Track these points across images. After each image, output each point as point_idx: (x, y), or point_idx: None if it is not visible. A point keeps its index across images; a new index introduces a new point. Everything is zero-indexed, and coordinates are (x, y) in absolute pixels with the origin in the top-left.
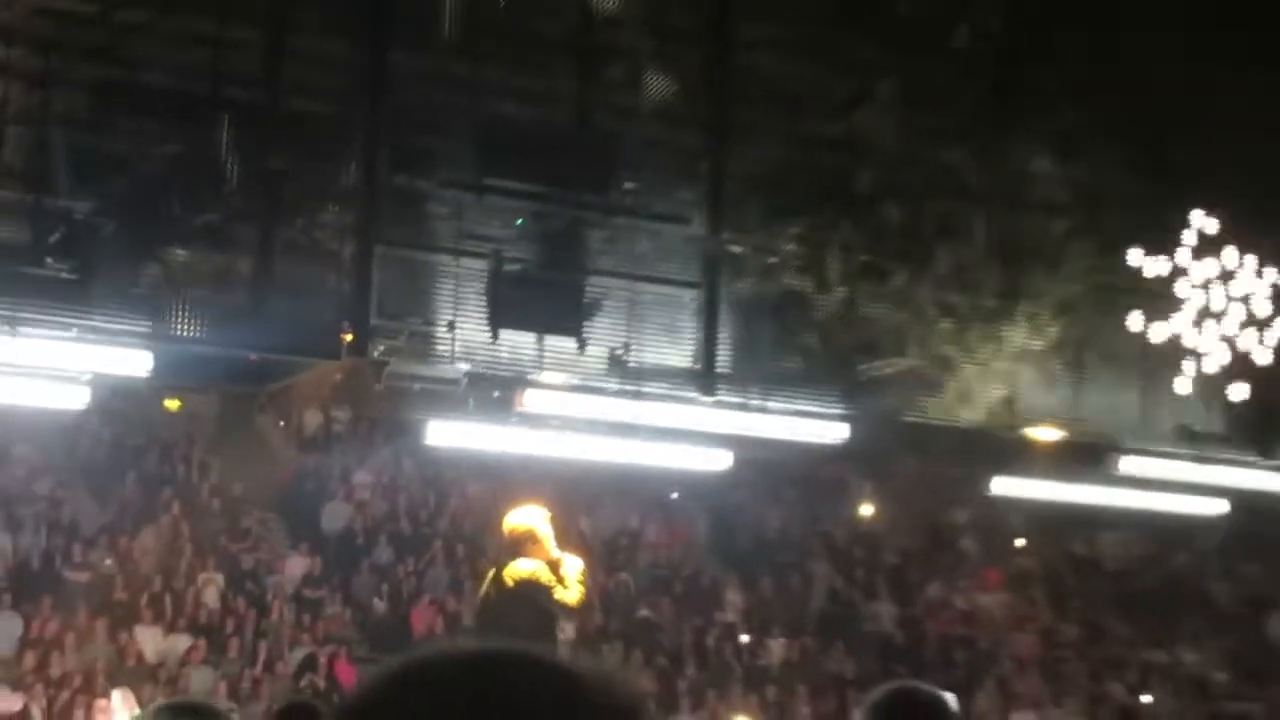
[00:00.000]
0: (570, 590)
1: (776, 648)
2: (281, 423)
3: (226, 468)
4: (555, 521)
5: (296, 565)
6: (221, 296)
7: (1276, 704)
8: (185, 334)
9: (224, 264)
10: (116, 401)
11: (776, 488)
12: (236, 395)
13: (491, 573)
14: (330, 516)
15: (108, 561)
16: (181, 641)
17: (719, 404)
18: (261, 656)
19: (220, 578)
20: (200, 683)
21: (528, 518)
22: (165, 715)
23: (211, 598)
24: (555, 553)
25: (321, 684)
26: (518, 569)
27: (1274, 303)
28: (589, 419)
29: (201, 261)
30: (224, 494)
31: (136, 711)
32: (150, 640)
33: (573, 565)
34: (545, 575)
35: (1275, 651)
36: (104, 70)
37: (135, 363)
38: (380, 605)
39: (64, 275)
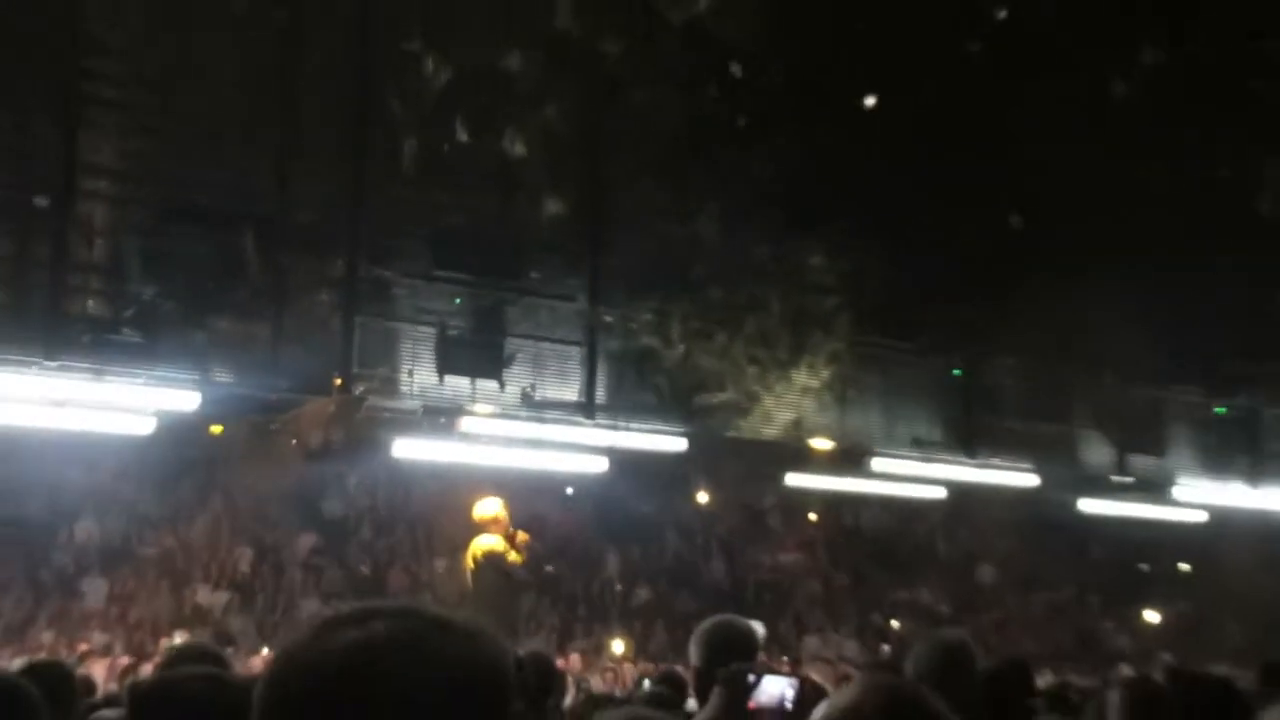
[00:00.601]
0: (519, 554)
1: (642, 594)
2: (293, 441)
3: (253, 474)
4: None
5: (305, 541)
6: (248, 353)
7: (982, 626)
8: (222, 380)
9: (249, 330)
10: (175, 428)
11: (639, 483)
12: (260, 422)
13: (470, 549)
14: (329, 506)
15: (169, 541)
16: (223, 596)
17: (598, 425)
18: (280, 607)
19: (250, 551)
20: (237, 626)
21: (491, 507)
22: (177, 651)
23: (244, 565)
24: (511, 529)
25: None
26: (481, 544)
27: None
28: (508, 436)
29: (233, 329)
30: (252, 492)
31: None
32: (201, 595)
33: (520, 538)
34: (500, 546)
35: (982, 591)
36: (163, 192)
37: (187, 401)
38: (365, 570)
39: (135, 340)
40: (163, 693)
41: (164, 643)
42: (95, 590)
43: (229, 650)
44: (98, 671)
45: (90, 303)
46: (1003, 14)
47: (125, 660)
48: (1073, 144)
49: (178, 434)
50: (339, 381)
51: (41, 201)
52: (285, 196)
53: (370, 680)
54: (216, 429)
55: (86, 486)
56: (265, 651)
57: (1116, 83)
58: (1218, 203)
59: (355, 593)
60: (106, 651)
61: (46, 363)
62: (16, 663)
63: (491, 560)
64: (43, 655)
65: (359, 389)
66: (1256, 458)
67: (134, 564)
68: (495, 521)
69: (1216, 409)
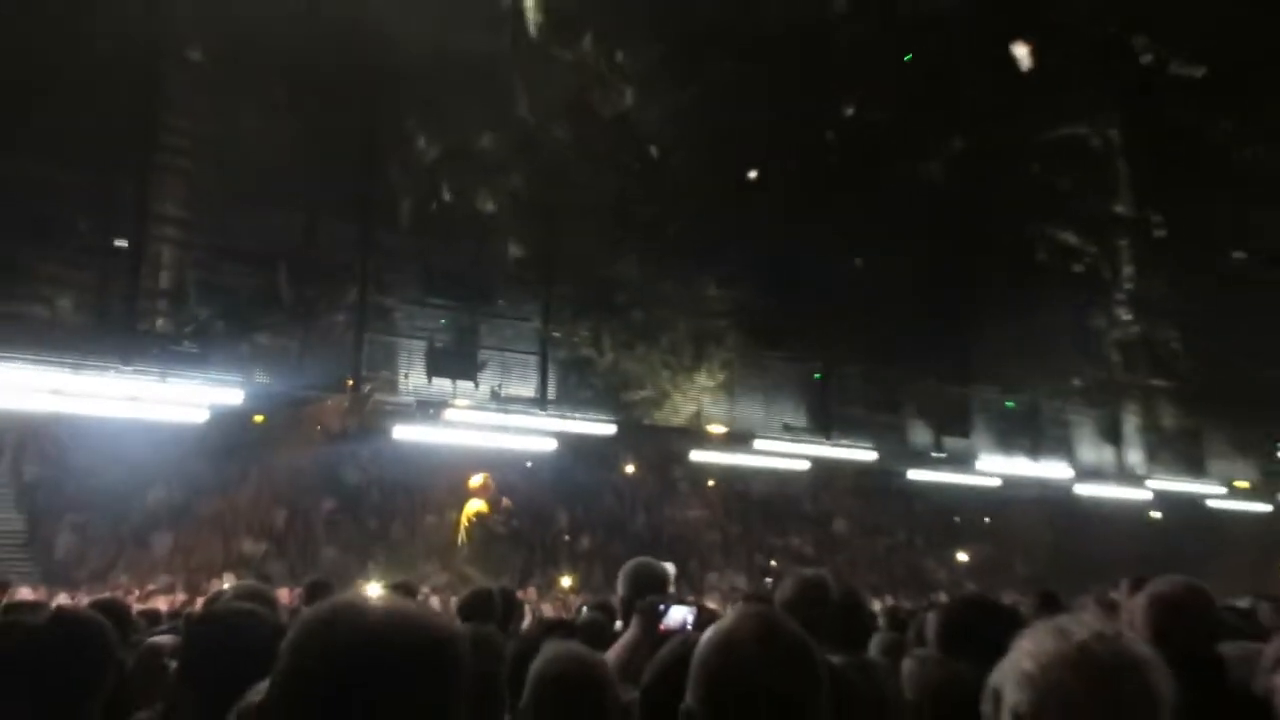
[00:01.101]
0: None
1: (584, 542)
2: (317, 427)
3: (288, 453)
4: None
5: (327, 504)
6: (283, 360)
7: (838, 564)
8: (261, 381)
9: (282, 343)
10: (225, 418)
11: (581, 458)
12: (291, 413)
13: (464, 511)
14: (345, 476)
15: (220, 504)
16: (262, 546)
17: (549, 415)
18: (308, 554)
19: (284, 511)
20: (275, 570)
21: (480, 478)
22: (235, 591)
23: (280, 522)
24: (496, 495)
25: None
26: (472, 507)
27: None
28: (482, 424)
29: (270, 342)
30: (287, 467)
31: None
32: (246, 546)
33: (505, 504)
34: (484, 509)
35: (837, 538)
36: (214, 239)
37: (233, 396)
38: (374, 524)
39: (194, 350)
40: (207, 620)
41: (215, 583)
42: (162, 543)
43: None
44: (162, 605)
45: (159, 321)
46: (850, 111)
47: (184, 597)
48: (903, 206)
49: (228, 421)
50: (351, 382)
51: (121, 243)
52: (311, 241)
53: (366, 669)
54: (259, 418)
55: (156, 463)
56: (294, 589)
57: (935, 161)
58: (1008, 250)
59: (365, 541)
60: (170, 590)
61: (123, 367)
62: (85, 601)
63: (481, 520)
64: (119, 593)
65: (367, 388)
66: (1036, 439)
67: (193, 522)
68: (484, 489)
69: (1007, 403)
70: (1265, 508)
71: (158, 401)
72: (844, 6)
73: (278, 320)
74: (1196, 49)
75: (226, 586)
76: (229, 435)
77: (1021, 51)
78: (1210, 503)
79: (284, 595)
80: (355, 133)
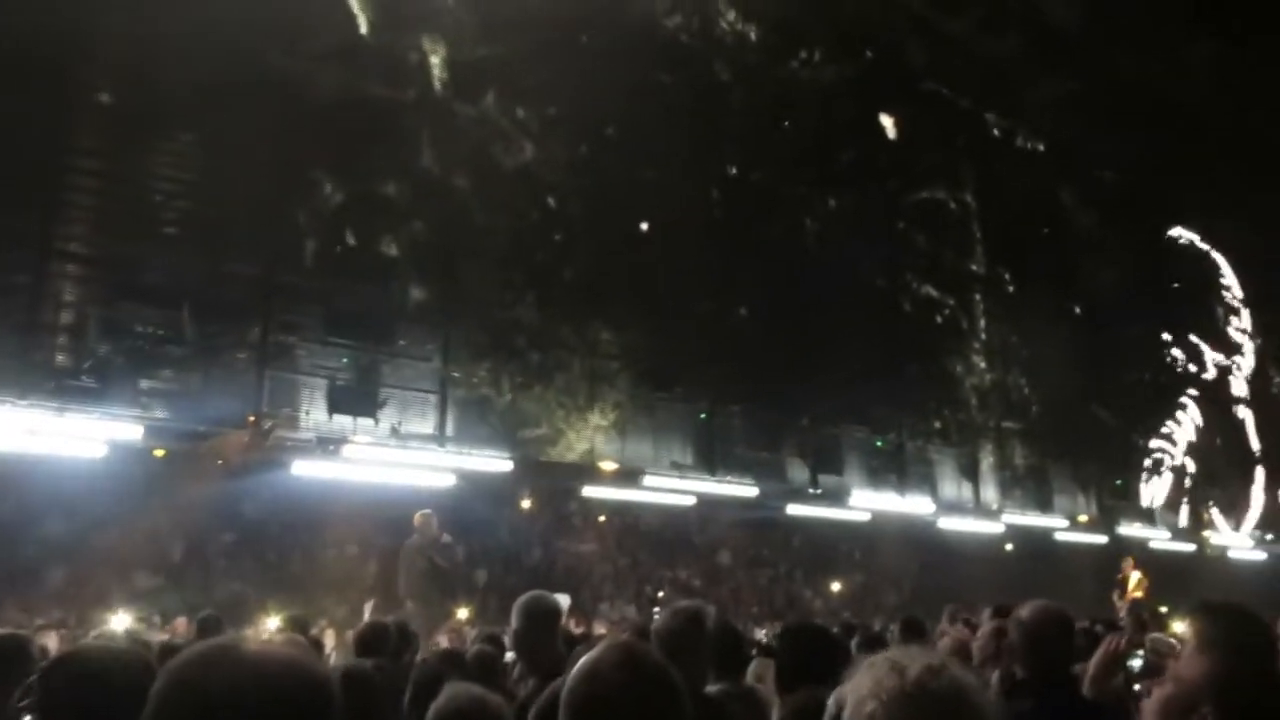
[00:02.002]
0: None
1: (481, 575)
2: (218, 461)
3: (187, 487)
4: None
5: (227, 537)
6: (185, 397)
7: (721, 595)
8: (163, 417)
9: (186, 381)
10: (125, 451)
11: (478, 494)
12: (192, 447)
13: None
14: (245, 510)
15: (117, 537)
16: (158, 580)
17: (448, 452)
18: (205, 588)
19: (182, 545)
20: (170, 603)
21: (421, 515)
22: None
23: (177, 555)
24: (437, 531)
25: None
26: (413, 542)
27: None
28: (381, 460)
29: (173, 378)
30: (186, 501)
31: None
32: (142, 579)
33: (444, 537)
34: (430, 543)
35: (721, 569)
36: (117, 275)
37: (132, 432)
38: (273, 558)
39: (93, 386)
40: (67, 662)
41: (108, 617)
42: (55, 577)
43: (157, 619)
44: (53, 641)
45: (58, 357)
46: (733, 170)
47: (75, 632)
48: (782, 259)
49: (126, 455)
50: (253, 418)
51: (22, 279)
52: (215, 280)
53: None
54: (159, 452)
55: (52, 496)
56: (185, 620)
57: (811, 217)
58: (876, 301)
59: (264, 575)
60: (61, 625)
61: (18, 401)
62: None
63: (423, 554)
64: (7, 629)
65: (268, 424)
66: (902, 476)
67: (87, 555)
68: (426, 524)
69: (877, 442)
70: (1102, 539)
71: (55, 435)
72: (729, 76)
73: (179, 356)
74: (1038, 125)
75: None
76: (127, 468)
77: (889, 121)
78: (1057, 535)
79: (180, 627)
80: (263, 176)
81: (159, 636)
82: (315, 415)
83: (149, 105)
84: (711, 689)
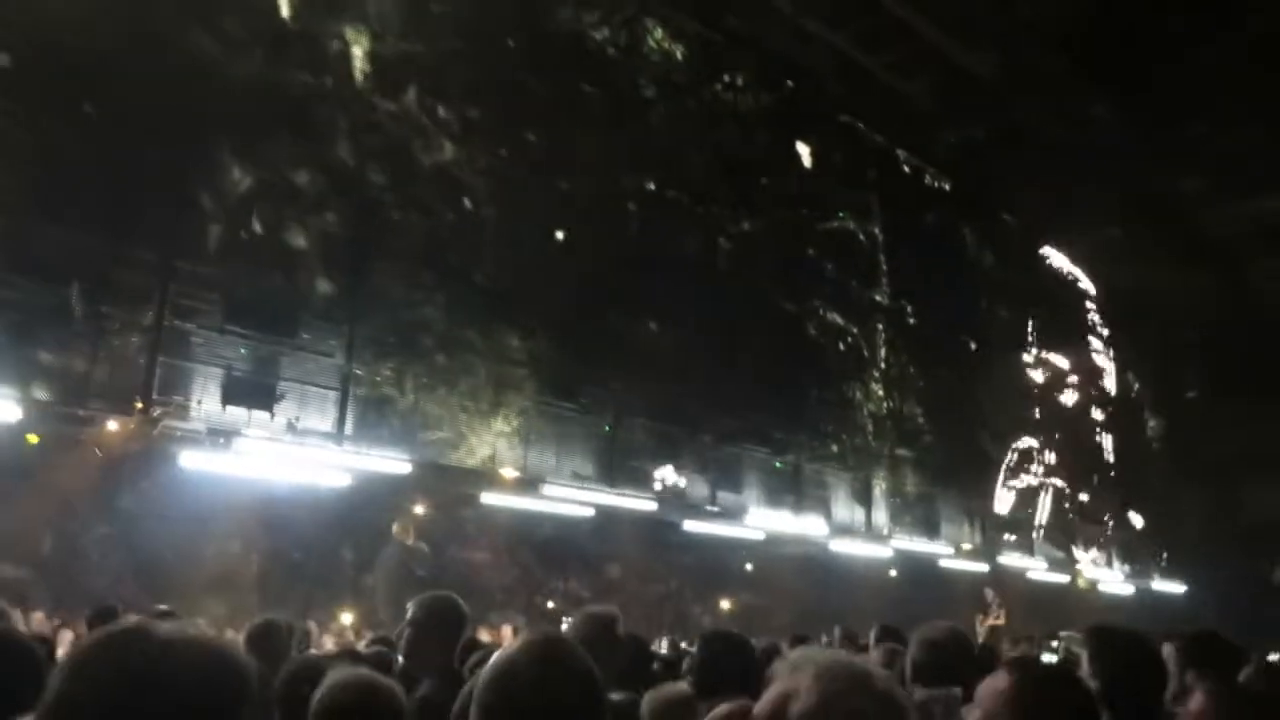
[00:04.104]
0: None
1: (369, 578)
2: (97, 449)
3: (61, 475)
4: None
5: (101, 530)
6: (69, 378)
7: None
8: (45, 399)
9: (74, 365)
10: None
11: (372, 496)
12: (71, 433)
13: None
14: (122, 502)
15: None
16: (26, 571)
17: (345, 451)
18: (74, 581)
19: (52, 536)
20: (35, 595)
21: (400, 524)
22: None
23: (46, 547)
24: (416, 540)
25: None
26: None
27: None
28: (275, 455)
29: (62, 364)
30: (59, 490)
31: None
32: (7, 570)
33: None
34: (408, 545)
35: (613, 582)
36: (4, 250)
37: (10, 412)
38: (150, 552)
39: None
40: None
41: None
42: None
43: (18, 613)
44: None
45: None
46: (651, 185)
47: None
48: (693, 278)
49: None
50: (140, 405)
51: None
52: (110, 259)
53: (138, 697)
54: (32, 437)
55: None
56: (54, 617)
57: (724, 238)
58: (783, 325)
59: (139, 570)
60: None
61: None
62: None
63: (402, 562)
64: None
65: (156, 412)
66: (799, 497)
67: None
68: (404, 533)
69: (776, 463)
70: (984, 567)
71: None
72: (653, 93)
73: (66, 336)
74: (945, 164)
75: None
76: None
77: (805, 150)
78: (941, 562)
79: (40, 622)
80: (167, 155)
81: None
82: (208, 406)
83: (50, 72)
84: (616, 697)
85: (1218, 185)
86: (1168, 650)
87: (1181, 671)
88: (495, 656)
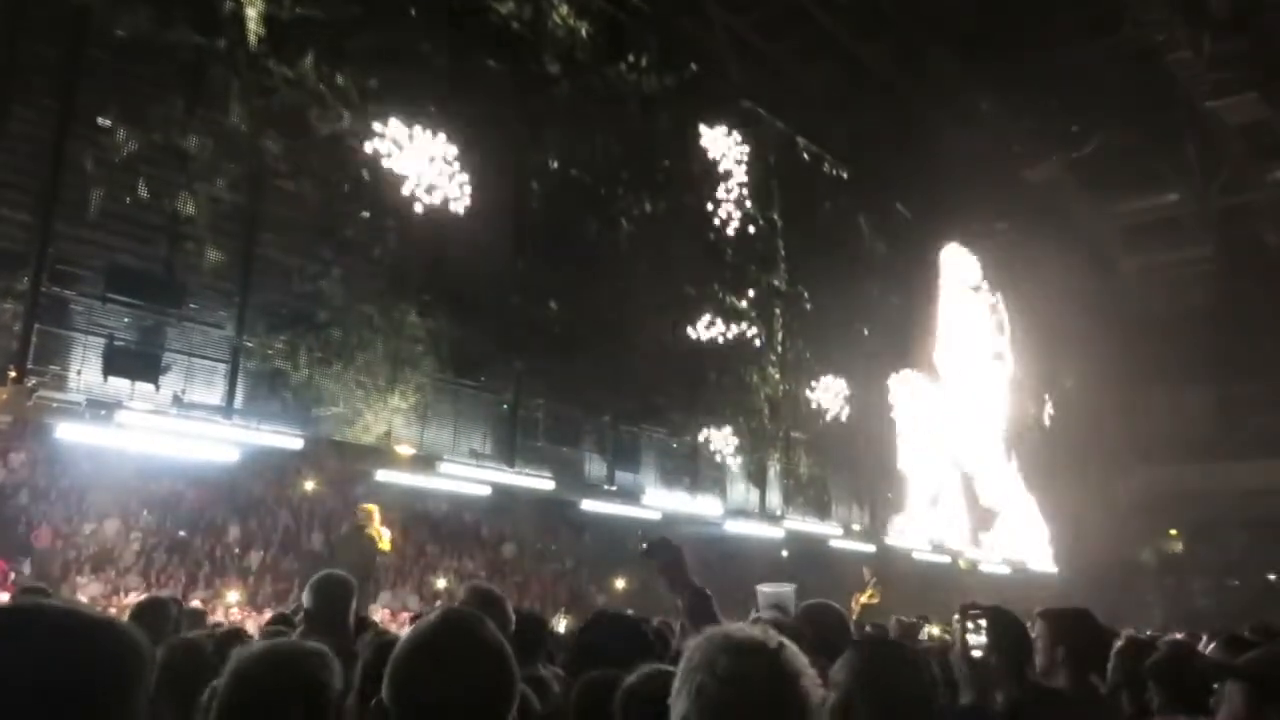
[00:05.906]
0: (384, 541)
1: (255, 557)
2: None
3: None
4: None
5: None
6: None
7: (506, 587)
8: None
9: None
10: None
11: (260, 472)
12: None
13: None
14: (0, 473)
15: None
16: None
17: (235, 425)
18: None
19: None
20: None
21: (370, 509)
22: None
23: None
24: (380, 526)
25: None
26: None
27: None
28: (159, 429)
29: None
30: None
31: None
32: None
33: (386, 532)
34: (371, 531)
35: (508, 564)
36: None
37: None
38: (20, 530)
39: None
40: None
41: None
42: None
43: None
44: None
45: None
46: (554, 164)
47: None
48: (595, 257)
49: None
50: (14, 373)
51: None
52: None
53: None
54: None
55: None
56: None
57: (626, 219)
58: (683, 307)
59: (8, 549)
60: None
61: None
62: None
63: (372, 544)
64: None
65: (31, 382)
66: (695, 478)
67: None
68: (369, 517)
69: (674, 444)
70: (871, 548)
71: None
72: (557, 69)
73: None
74: (844, 153)
75: None
76: None
77: (706, 133)
78: (831, 542)
79: None
80: (47, 115)
81: None
82: (88, 376)
83: None
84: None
85: (1092, 183)
86: (1040, 627)
87: (1051, 646)
88: (409, 629)
